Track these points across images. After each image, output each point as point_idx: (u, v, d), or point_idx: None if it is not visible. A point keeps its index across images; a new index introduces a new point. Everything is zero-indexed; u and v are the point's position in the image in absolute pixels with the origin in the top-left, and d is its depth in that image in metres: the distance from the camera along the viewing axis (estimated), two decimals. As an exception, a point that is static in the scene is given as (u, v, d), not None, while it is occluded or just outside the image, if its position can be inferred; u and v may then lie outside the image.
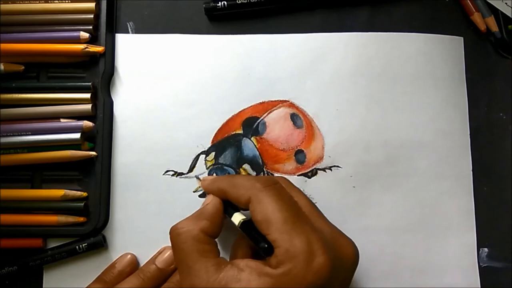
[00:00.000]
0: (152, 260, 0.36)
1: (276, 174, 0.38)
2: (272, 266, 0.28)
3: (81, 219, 0.36)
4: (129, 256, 0.37)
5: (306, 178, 0.38)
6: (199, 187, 0.38)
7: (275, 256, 0.28)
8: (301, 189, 0.35)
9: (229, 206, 0.33)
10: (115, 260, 0.36)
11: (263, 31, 0.40)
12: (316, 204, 0.34)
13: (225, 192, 0.33)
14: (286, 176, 0.37)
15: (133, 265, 0.36)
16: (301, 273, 0.28)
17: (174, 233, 0.32)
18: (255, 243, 0.30)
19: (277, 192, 0.31)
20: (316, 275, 0.28)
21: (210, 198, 0.33)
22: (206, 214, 0.32)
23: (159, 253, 0.36)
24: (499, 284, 0.38)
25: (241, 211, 0.32)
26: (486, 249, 0.38)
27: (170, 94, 0.39)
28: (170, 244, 0.31)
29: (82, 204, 0.36)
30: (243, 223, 0.31)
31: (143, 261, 0.37)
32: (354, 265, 0.31)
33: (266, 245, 0.29)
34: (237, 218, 0.32)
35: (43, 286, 0.36)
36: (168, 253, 0.36)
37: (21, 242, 0.36)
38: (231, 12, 0.39)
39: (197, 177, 0.38)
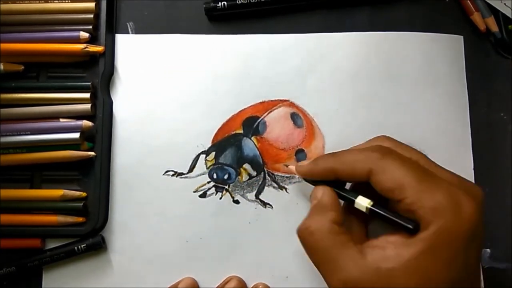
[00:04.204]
0: None
1: (276, 174, 0.38)
2: (420, 230, 0.27)
3: (80, 219, 0.36)
4: (190, 279, 0.36)
5: (307, 178, 0.38)
6: (199, 187, 0.37)
7: (421, 218, 0.27)
8: (302, 189, 0.34)
9: (342, 191, 0.31)
10: (178, 282, 0.36)
11: (263, 31, 0.40)
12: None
13: (334, 171, 0.31)
14: (286, 176, 0.37)
15: None
16: (455, 225, 0.27)
17: (306, 232, 0.30)
18: (394, 223, 0.28)
19: (397, 156, 0.29)
20: (470, 222, 0.27)
21: (320, 189, 0.31)
22: (328, 205, 0.30)
23: (226, 282, 0.35)
24: (502, 285, 0.38)
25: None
26: (488, 250, 0.38)
27: (170, 94, 0.39)
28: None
29: (81, 204, 0.36)
30: (373, 206, 0.29)
31: (145, 264, 0.36)
32: (484, 204, 0.30)
33: (411, 226, 0.27)
34: (362, 202, 0.30)
35: (42, 287, 0.36)
36: (235, 282, 0.35)
37: (20, 242, 0.36)
38: (231, 12, 0.39)
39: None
